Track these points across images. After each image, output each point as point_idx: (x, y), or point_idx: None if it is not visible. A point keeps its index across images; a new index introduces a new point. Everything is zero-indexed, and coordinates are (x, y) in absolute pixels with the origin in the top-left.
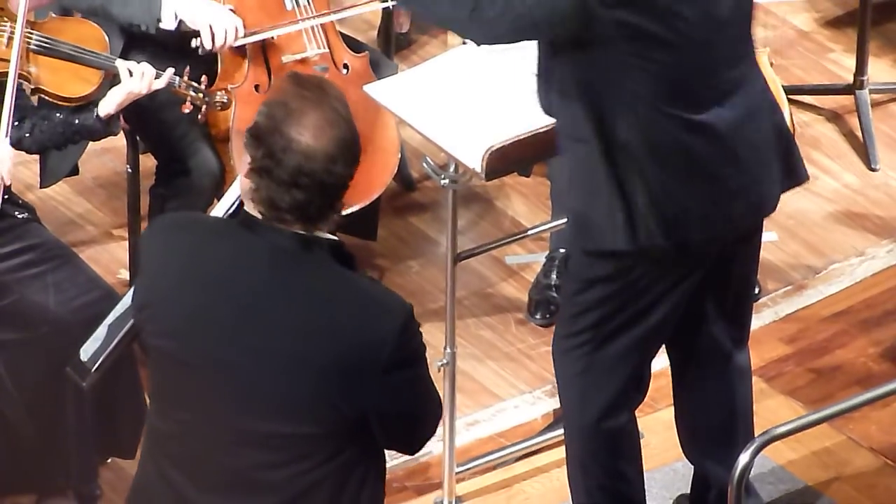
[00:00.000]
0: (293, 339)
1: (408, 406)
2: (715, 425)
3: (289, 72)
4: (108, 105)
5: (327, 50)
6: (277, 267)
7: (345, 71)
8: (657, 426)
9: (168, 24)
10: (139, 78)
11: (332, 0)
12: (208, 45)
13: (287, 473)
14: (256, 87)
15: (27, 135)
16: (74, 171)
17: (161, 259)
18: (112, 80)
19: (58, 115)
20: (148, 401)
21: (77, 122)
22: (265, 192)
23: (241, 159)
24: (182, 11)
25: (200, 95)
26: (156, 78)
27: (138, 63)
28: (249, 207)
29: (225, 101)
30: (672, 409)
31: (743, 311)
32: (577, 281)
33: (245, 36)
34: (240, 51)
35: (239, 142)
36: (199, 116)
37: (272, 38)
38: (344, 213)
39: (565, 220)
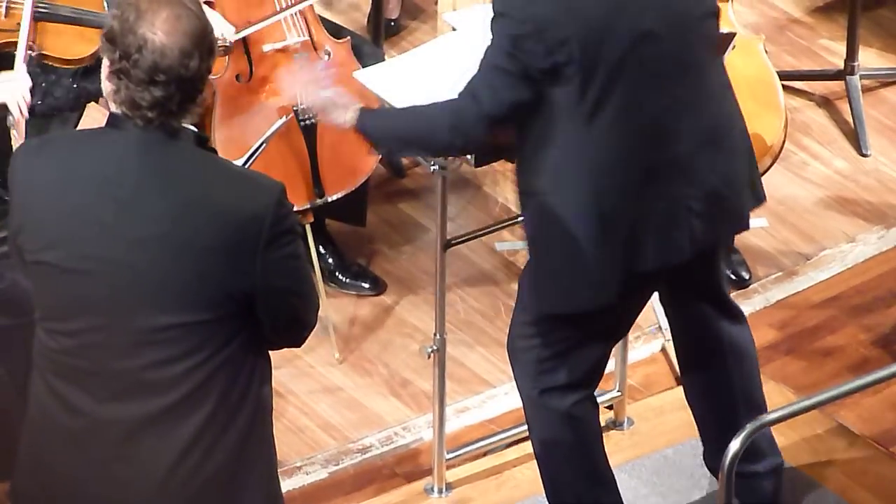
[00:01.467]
0: (174, 224)
1: (291, 283)
2: (721, 411)
3: None
4: None
5: (308, 38)
6: (148, 157)
7: (326, 57)
8: (647, 413)
9: None
10: None
11: None
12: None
13: (181, 368)
14: (237, 76)
15: (39, 102)
16: None
17: (29, 178)
18: None
19: (68, 79)
20: (37, 328)
21: (91, 88)
22: (125, 93)
23: (224, 150)
24: None
25: None
26: None
27: None
28: (114, 108)
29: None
30: (662, 396)
31: (720, 292)
32: (530, 304)
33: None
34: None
35: (222, 133)
36: None
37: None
38: (331, 198)
39: None
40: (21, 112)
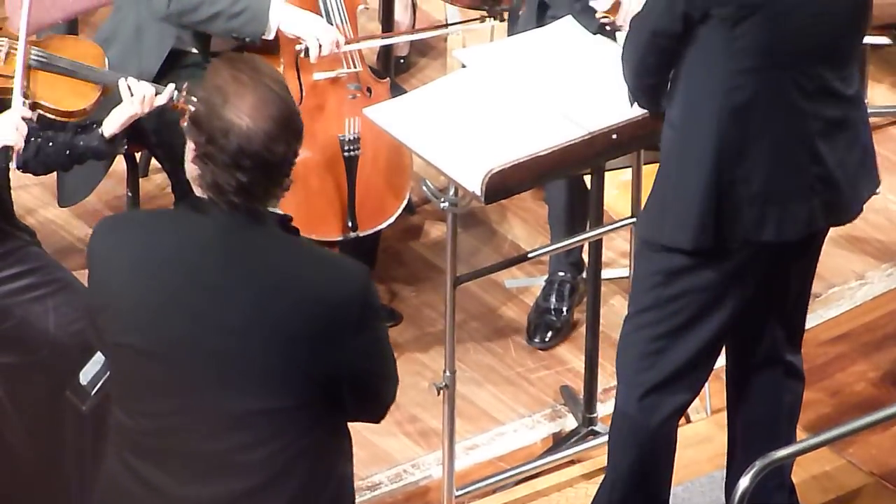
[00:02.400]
0: (261, 312)
1: (377, 365)
2: (761, 431)
3: (222, 55)
4: (111, 125)
5: (361, 69)
6: (233, 243)
7: (369, 94)
8: None
9: (269, 35)
10: (140, 100)
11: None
12: (313, 57)
13: (265, 452)
14: None
15: (33, 156)
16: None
17: (111, 258)
18: (111, 95)
19: (63, 136)
20: (114, 404)
21: (81, 143)
22: (210, 177)
23: None
24: (286, 25)
25: None
26: (156, 94)
27: (139, 81)
28: (198, 192)
29: None
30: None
31: (801, 312)
32: (641, 268)
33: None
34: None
35: None
36: None
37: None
38: (363, 233)
39: (564, 243)
40: (21, 136)
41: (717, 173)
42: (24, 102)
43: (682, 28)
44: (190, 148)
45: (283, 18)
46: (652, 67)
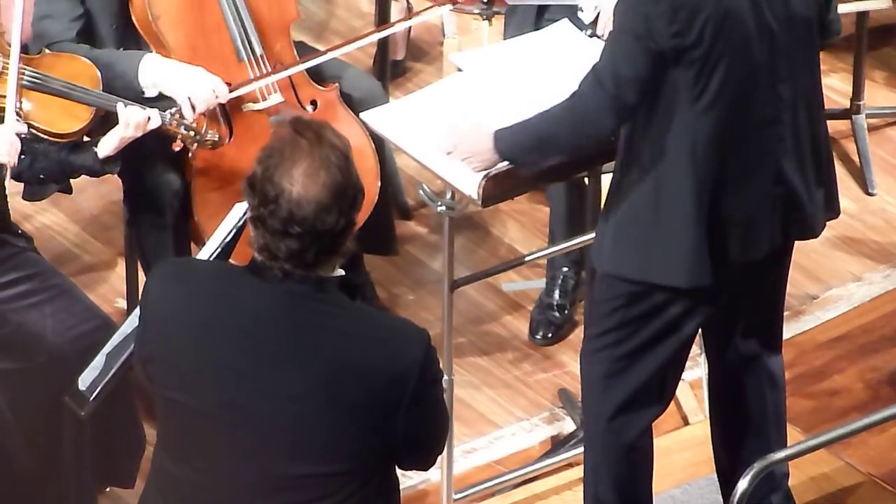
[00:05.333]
0: (320, 384)
1: (433, 429)
2: (749, 436)
3: (293, 117)
4: (106, 147)
5: (290, 94)
6: (295, 314)
7: (311, 108)
8: (654, 453)
9: (150, 93)
10: (135, 126)
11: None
12: (189, 117)
13: None
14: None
15: (27, 168)
16: (67, 189)
17: (165, 310)
18: (104, 115)
19: (58, 152)
20: (159, 447)
21: (76, 163)
22: (262, 241)
23: (202, 210)
24: (162, 85)
25: (191, 133)
26: (149, 119)
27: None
28: (256, 255)
29: (216, 139)
30: (670, 436)
31: (774, 317)
32: (603, 292)
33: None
34: None
35: (201, 195)
36: (189, 155)
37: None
38: None
39: (561, 246)
40: (15, 153)
41: (702, 206)
42: (17, 118)
43: (658, 73)
44: (248, 209)
45: (160, 82)
46: (631, 107)
